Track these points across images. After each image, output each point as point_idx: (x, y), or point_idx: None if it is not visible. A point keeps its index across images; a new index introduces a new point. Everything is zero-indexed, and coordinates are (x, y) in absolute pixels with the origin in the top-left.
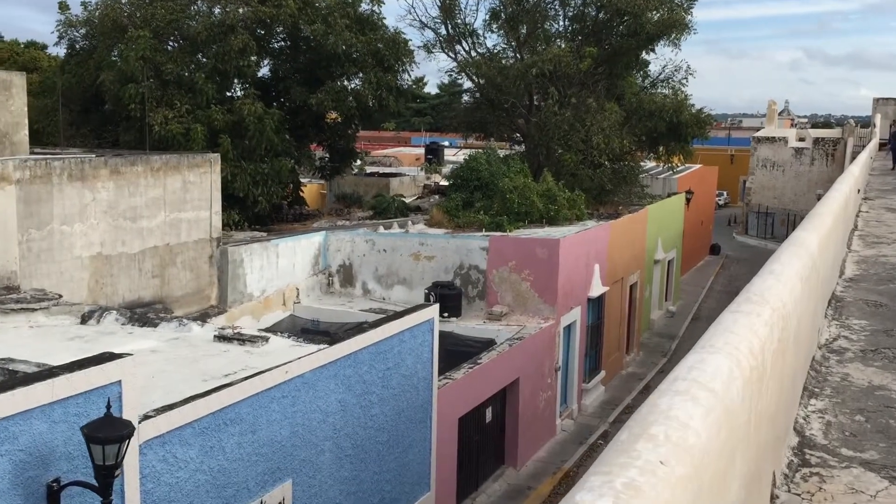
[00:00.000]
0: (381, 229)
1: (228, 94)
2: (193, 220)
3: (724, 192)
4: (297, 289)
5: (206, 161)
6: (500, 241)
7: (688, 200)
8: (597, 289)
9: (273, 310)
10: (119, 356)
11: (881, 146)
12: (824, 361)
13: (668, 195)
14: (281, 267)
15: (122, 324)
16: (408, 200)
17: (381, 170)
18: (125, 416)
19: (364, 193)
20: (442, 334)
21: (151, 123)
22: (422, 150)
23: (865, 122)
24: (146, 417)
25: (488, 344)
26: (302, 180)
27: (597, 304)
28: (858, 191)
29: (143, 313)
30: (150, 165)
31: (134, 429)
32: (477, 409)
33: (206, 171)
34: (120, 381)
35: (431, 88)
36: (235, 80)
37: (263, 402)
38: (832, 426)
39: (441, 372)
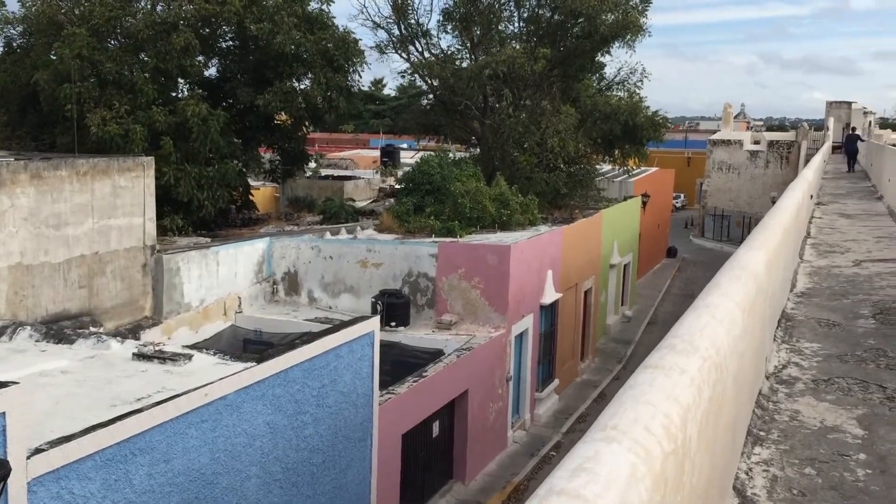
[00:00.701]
0: (328, 235)
1: (173, 94)
2: (125, 227)
3: (682, 195)
4: (239, 298)
5: (139, 164)
6: (449, 248)
7: (644, 203)
8: (550, 295)
9: (213, 320)
10: (4, 385)
11: (835, 149)
12: (772, 395)
13: (625, 198)
14: (221, 275)
15: (37, 340)
16: (362, 204)
17: (336, 173)
18: (10, 451)
19: (317, 197)
20: (388, 345)
21: (89, 125)
22: (379, 153)
23: (819, 126)
24: (38, 451)
25: (436, 354)
26: (254, 184)
27: (550, 312)
28: (812, 196)
29: (59, 329)
30: (76, 169)
31: (9, 469)
32: (423, 423)
33: (138, 175)
34: (4, 414)
35: (391, 90)
36: (181, 81)
37: (179, 429)
38: (778, 482)
39: (388, 384)
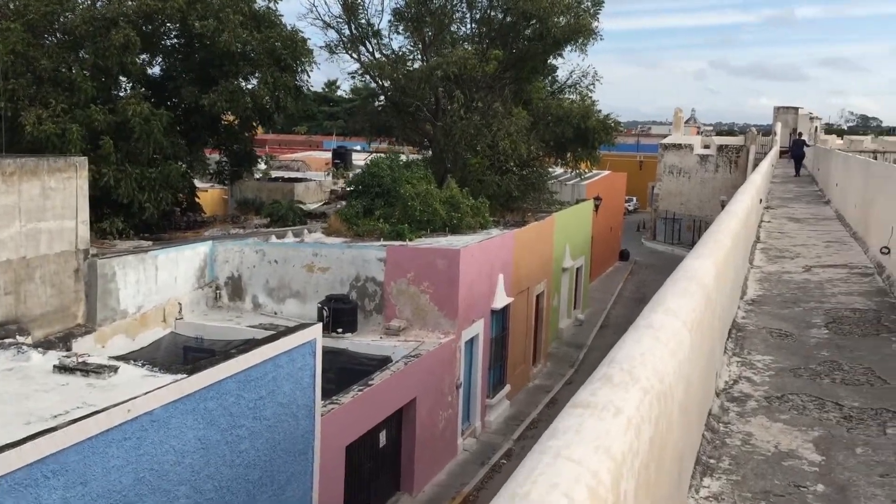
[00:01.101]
0: (274, 238)
1: (114, 93)
2: (56, 231)
3: (634, 198)
4: (180, 304)
5: (71, 165)
6: (397, 252)
7: (596, 207)
8: (501, 300)
9: (151, 327)
10: None
11: (782, 153)
12: (723, 415)
13: (577, 202)
14: (161, 280)
15: None
16: (314, 206)
17: (287, 175)
18: None
19: (267, 199)
20: (334, 352)
21: (24, 123)
22: (331, 155)
23: (767, 131)
24: None
25: (384, 362)
26: (201, 185)
27: (501, 316)
28: (761, 200)
29: None
30: (2, 170)
31: None
32: (368, 434)
33: (70, 175)
34: None
35: (345, 92)
36: (122, 79)
37: (98, 448)
38: None
39: (333, 393)
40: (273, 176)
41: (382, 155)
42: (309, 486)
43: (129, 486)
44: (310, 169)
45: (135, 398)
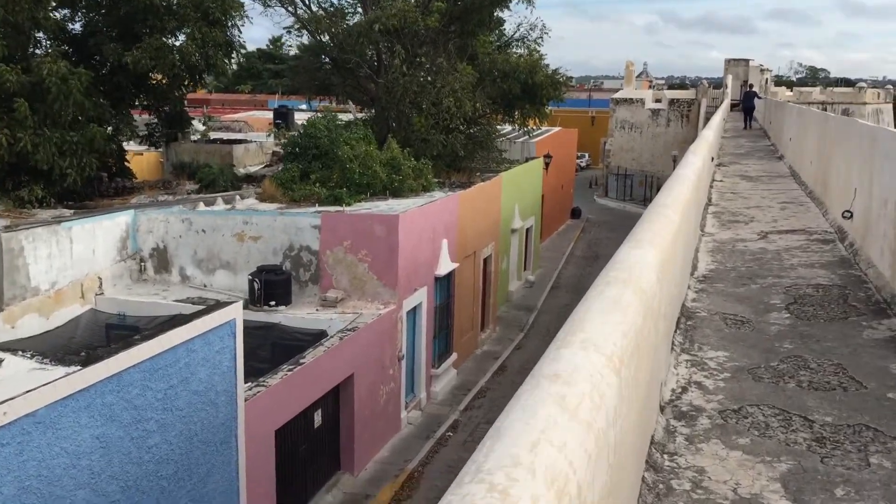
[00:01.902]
0: (202, 206)
1: (32, 50)
2: None
3: (586, 155)
4: (100, 278)
5: None
6: (333, 219)
7: (546, 165)
8: (445, 266)
9: (67, 304)
10: None
11: (733, 106)
12: (668, 442)
13: (527, 160)
14: (77, 254)
15: None
16: (254, 169)
17: (227, 136)
18: None
19: (204, 162)
20: (267, 327)
21: None
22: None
23: (718, 83)
24: None
25: (319, 336)
26: (136, 149)
27: (446, 283)
28: (712, 158)
29: None
30: None
31: None
32: (302, 415)
33: None
34: None
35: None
36: (39, 36)
37: None
38: None
39: (266, 371)
40: (212, 137)
41: (320, 115)
42: (234, 476)
43: (12, 498)
44: (252, 130)
45: (13, 398)
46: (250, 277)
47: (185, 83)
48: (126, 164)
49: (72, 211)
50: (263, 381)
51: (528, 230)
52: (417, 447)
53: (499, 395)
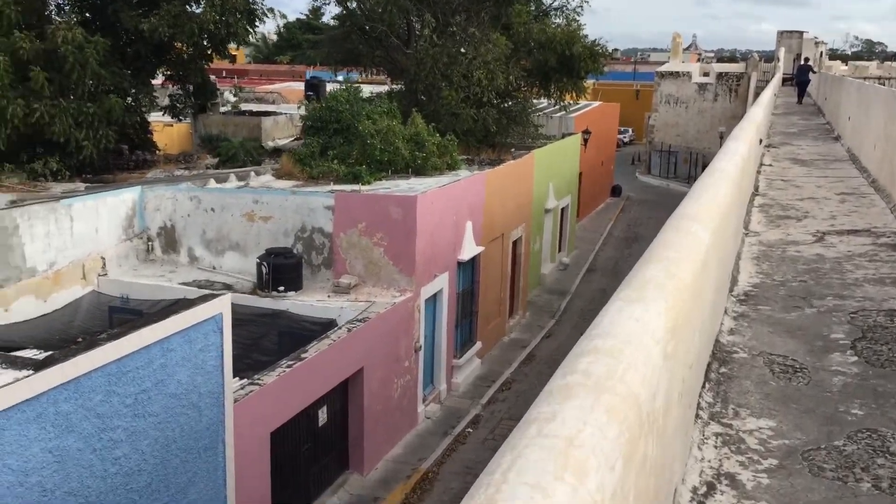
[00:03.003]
0: (213, 182)
1: (48, 14)
2: None
3: (630, 129)
4: (103, 258)
5: None
6: (347, 199)
7: (585, 141)
8: (469, 250)
9: (67, 286)
10: None
11: (785, 81)
12: None
13: (564, 136)
14: (78, 232)
15: None
16: (283, 142)
17: (258, 108)
18: None
19: (233, 135)
20: (273, 314)
21: None
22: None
23: (770, 57)
24: None
25: (329, 326)
26: (167, 121)
27: (469, 268)
28: (761, 141)
29: None
30: None
31: None
32: (305, 412)
33: None
34: None
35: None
36: (60, 1)
37: None
38: None
39: (265, 365)
40: (242, 109)
41: (343, 88)
42: (221, 484)
43: None
44: (286, 101)
45: None
46: (258, 261)
47: (208, 53)
48: (149, 136)
49: (85, 185)
50: (258, 380)
51: (563, 210)
52: (434, 444)
53: (524, 387)
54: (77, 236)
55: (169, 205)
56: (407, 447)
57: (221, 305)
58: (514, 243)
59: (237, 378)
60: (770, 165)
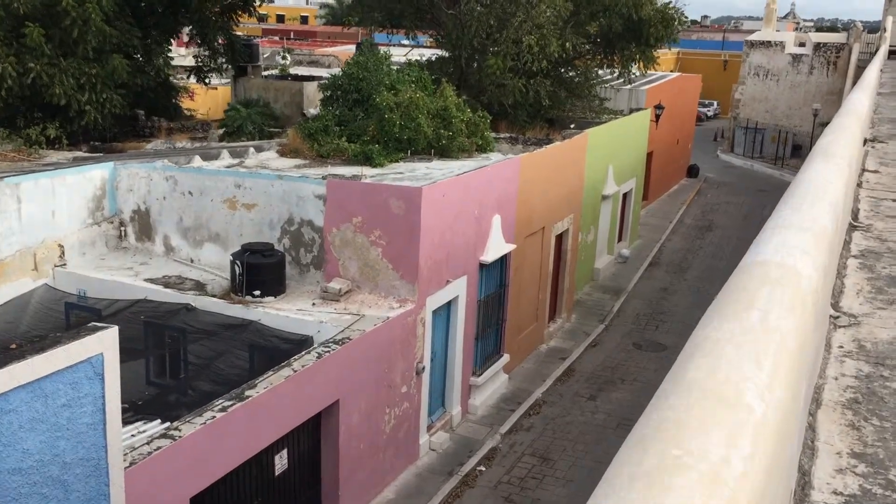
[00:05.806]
0: (198, 160)
1: None
2: None
3: (715, 103)
4: (61, 246)
5: None
6: (341, 188)
7: (657, 117)
8: (496, 249)
9: (14, 278)
10: None
11: (891, 54)
12: None
13: (632, 111)
14: (29, 216)
15: None
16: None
17: (306, 72)
18: None
19: (274, 100)
20: (237, 326)
21: None
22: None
23: (874, 28)
24: None
25: (301, 344)
26: (214, 83)
27: (497, 269)
28: (865, 141)
29: None
30: None
31: None
32: (255, 460)
33: None
34: None
35: None
36: None
37: None
38: None
39: (247, 378)
40: (292, 73)
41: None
42: None
43: None
44: (341, 65)
45: None
46: (231, 259)
47: (236, 11)
48: (174, 100)
49: (81, 154)
50: (171, 432)
51: (625, 195)
52: (435, 487)
53: (556, 412)
54: (26, 221)
55: (143, 185)
56: (401, 491)
57: (101, 345)
58: (559, 237)
59: (141, 426)
60: (876, 172)
